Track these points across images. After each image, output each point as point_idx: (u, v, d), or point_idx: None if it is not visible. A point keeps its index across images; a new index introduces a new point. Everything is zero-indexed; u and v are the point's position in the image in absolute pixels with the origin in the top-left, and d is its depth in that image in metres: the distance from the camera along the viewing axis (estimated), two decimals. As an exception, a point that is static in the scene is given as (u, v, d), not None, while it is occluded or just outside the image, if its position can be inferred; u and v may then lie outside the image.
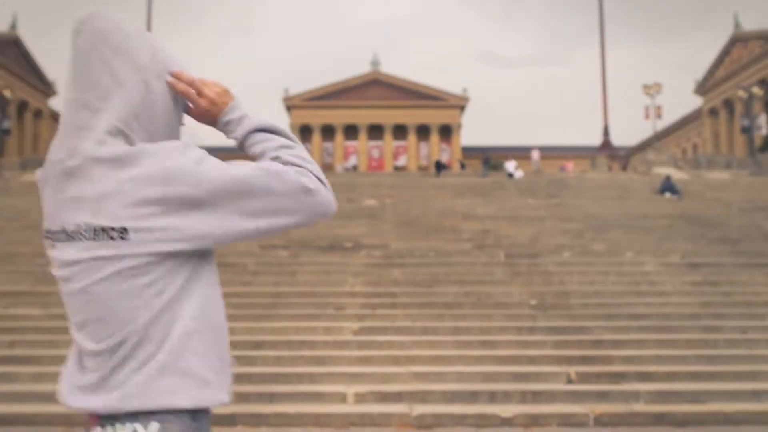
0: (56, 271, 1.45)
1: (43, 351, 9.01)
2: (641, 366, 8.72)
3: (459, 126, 71.41)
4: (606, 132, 41.55)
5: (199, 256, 1.40)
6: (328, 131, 70.89)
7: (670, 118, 66.28)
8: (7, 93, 39.74)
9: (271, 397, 7.73)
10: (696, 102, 68.03)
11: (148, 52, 1.43)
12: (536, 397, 7.76)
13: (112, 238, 1.34)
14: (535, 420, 7.20)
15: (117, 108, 1.38)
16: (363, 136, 70.27)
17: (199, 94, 1.48)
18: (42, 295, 11.11)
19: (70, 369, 1.47)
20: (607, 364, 8.85)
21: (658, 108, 43.23)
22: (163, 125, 1.44)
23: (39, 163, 31.09)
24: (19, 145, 55.01)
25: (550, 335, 9.67)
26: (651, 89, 42.19)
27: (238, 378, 8.32)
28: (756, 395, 7.87)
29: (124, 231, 1.33)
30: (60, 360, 8.67)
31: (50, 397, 7.69)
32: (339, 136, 70.09)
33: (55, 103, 66.57)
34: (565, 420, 7.25)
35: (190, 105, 1.51)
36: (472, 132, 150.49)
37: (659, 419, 7.32)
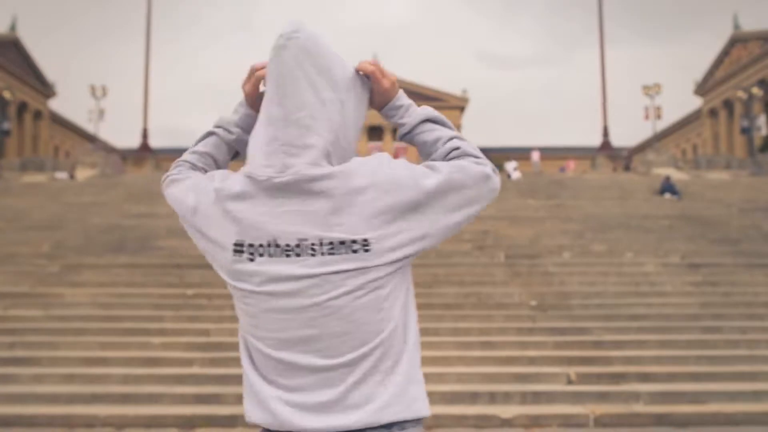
0: (262, 287, 1.40)
1: (43, 352, 9.00)
2: (641, 366, 8.72)
3: (459, 127, 71.42)
4: (606, 133, 41.53)
5: (407, 264, 1.46)
6: (327, 132, 70.97)
7: (669, 118, 66.32)
8: (6, 94, 39.74)
9: (271, 398, 7.71)
10: (696, 102, 68.08)
11: (341, 70, 1.48)
12: (536, 397, 7.76)
13: (354, 250, 1.36)
14: (535, 421, 7.20)
15: (324, 127, 1.42)
16: (363, 137, 70.20)
17: (382, 75, 1.54)
18: (42, 297, 11.10)
19: (274, 391, 1.40)
20: (607, 364, 8.84)
21: (658, 109, 43.21)
22: (351, 140, 1.49)
23: (39, 164, 31.19)
24: (18, 146, 55.02)
25: (550, 336, 9.66)
26: (651, 90, 42.18)
27: (239, 379, 8.31)
28: (756, 396, 7.87)
29: (366, 242, 1.36)
30: (60, 361, 8.66)
31: (50, 399, 7.70)
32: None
33: (55, 104, 66.53)
34: (566, 421, 7.25)
35: (366, 101, 1.56)
36: (473, 133, 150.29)
37: (659, 420, 7.31)
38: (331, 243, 1.36)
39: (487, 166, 1.50)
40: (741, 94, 44.17)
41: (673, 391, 7.98)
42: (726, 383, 8.23)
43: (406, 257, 1.41)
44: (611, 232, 15.72)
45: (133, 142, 48.77)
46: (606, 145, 41.24)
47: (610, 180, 26.33)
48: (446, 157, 1.53)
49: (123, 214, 17.18)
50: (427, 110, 1.60)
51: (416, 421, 1.40)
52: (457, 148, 1.52)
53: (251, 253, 1.40)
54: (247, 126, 1.63)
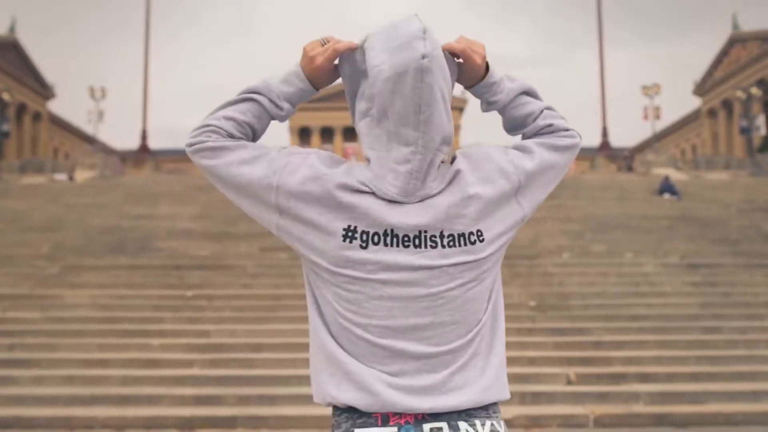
0: (374, 274, 1.36)
1: (42, 354, 9.00)
2: (641, 367, 8.72)
3: (458, 127, 71.42)
4: (605, 133, 41.52)
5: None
6: (327, 133, 70.92)
7: (669, 118, 66.33)
8: (6, 96, 39.72)
9: (272, 400, 7.72)
10: (695, 103, 68.10)
11: (449, 68, 1.41)
12: (536, 398, 7.76)
13: (472, 242, 1.39)
14: (535, 421, 7.20)
15: (450, 141, 1.40)
16: (338, 137, 70.28)
17: (473, 51, 1.47)
18: (41, 298, 11.10)
19: (376, 373, 1.37)
20: (606, 365, 8.85)
21: (657, 109, 43.24)
22: None
23: (38, 165, 31.18)
24: (17, 147, 54.98)
25: (549, 336, 9.66)
26: (650, 90, 42.20)
27: (238, 381, 8.33)
28: (756, 396, 7.88)
29: (480, 233, 1.40)
30: (59, 363, 8.65)
31: (49, 401, 7.70)
32: (338, 138, 70.12)
33: (54, 105, 66.48)
34: (565, 421, 7.25)
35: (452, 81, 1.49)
36: (472, 133, 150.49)
37: (659, 420, 7.32)
38: (451, 235, 1.37)
39: (575, 137, 1.53)
40: (740, 94, 44.21)
41: (672, 391, 7.98)
42: (725, 383, 8.23)
43: (506, 243, 1.45)
44: (611, 233, 15.72)
45: (132, 143, 48.79)
46: (605, 146, 41.22)
47: (609, 180, 26.32)
48: (538, 133, 1.54)
49: (122, 216, 17.18)
50: (518, 84, 1.55)
51: (498, 404, 1.45)
52: (550, 125, 1.53)
53: (364, 240, 1.36)
54: (298, 101, 1.51)
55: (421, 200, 1.38)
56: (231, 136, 1.45)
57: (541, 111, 1.54)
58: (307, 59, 1.46)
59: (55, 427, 7.09)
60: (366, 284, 1.37)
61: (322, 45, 1.46)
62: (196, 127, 1.46)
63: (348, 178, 1.37)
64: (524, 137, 1.57)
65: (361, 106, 1.42)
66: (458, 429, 1.35)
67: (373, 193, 1.37)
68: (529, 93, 1.56)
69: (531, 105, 1.55)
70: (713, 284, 12.27)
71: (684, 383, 8.26)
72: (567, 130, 1.54)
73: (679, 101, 78.38)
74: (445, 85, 1.37)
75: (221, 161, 1.42)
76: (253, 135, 1.50)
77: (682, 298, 11.48)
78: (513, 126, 1.58)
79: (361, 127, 1.42)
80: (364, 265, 1.36)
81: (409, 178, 1.35)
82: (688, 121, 70.89)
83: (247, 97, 1.47)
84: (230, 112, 1.46)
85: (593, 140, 42.16)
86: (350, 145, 69.98)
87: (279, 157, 1.42)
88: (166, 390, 7.93)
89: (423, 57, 1.31)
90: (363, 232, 1.36)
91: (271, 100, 1.48)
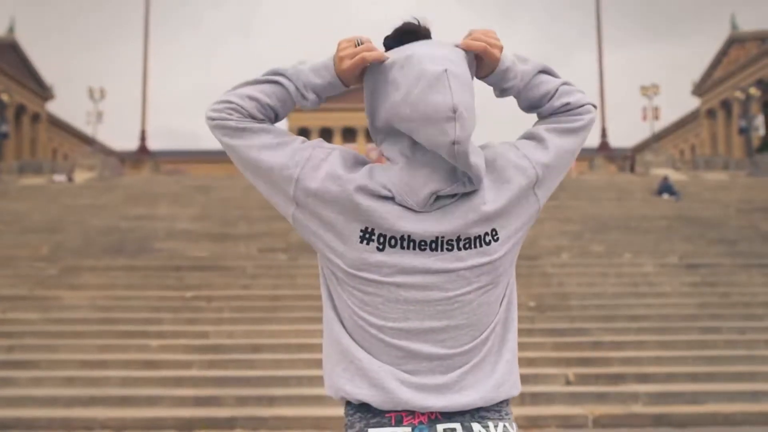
0: (390, 277, 1.36)
1: (42, 355, 8.99)
2: (640, 367, 8.72)
3: (457, 128, 71.48)
4: (604, 133, 41.53)
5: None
6: (326, 134, 70.92)
7: (668, 119, 66.35)
8: (4, 97, 39.70)
9: (271, 401, 7.72)
10: (694, 103, 68.13)
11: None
12: (535, 398, 7.76)
13: (487, 243, 1.39)
14: (533, 422, 7.20)
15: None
16: (361, 138, 70.37)
17: (492, 46, 1.43)
18: (40, 299, 11.10)
19: (389, 370, 1.36)
20: (605, 365, 8.85)
21: (656, 109, 43.24)
22: None
23: (37, 166, 31.18)
24: (16, 148, 54.96)
25: (548, 337, 9.66)
26: (648, 90, 42.21)
27: (237, 381, 8.33)
28: (755, 396, 7.88)
29: (495, 232, 1.39)
30: (58, 364, 8.64)
31: (49, 402, 7.70)
32: (337, 139, 70.12)
33: (53, 106, 66.45)
34: (564, 422, 7.25)
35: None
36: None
37: (658, 420, 7.32)
38: (468, 238, 1.37)
39: (591, 112, 1.51)
40: (739, 94, 44.25)
41: (671, 391, 7.98)
42: (724, 384, 8.24)
43: (520, 240, 1.45)
44: (610, 233, 15.72)
45: (131, 144, 48.74)
46: (604, 146, 41.22)
47: (608, 181, 26.33)
48: (555, 111, 1.51)
49: (121, 217, 17.17)
50: (532, 66, 1.51)
51: (510, 404, 1.46)
52: (566, 104, 1.50)
53: (381, 243, 1.35)
54: (326, 93, 1.48)
55: (439, 208, 1.37)
56: (252, 117, 1.41)
57: (557, 89, 1.51)
58: (338, 58, 1.43)
59: (54, 428, 7.08)
60: (382, 287, 1.36)
61: (356, 46, 1.41)
62: (217, 100, 1.43)
63: (369, 180, 1.36)
64: (540, 116, 1.55)
65: (388, 133, 1.42)
66: (471, 430, 1.35)
67: (392, 199, 1.35)
68: (544, 71, 1.52)
69: (546, 84, 1.51)
70: (712, 284, 12.28)
71: (683, 383, 8.27)
72: (582, 106, 1.50)
73: (678, 102, 78.43)
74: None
75: (242, 142, 1.40)
76: (276, 117, 1.47)
77: (680, 299, 11.49)
78: (528, 105, 1.55)
79: (385, 146, 1.42)
80: (380, 267, 1.36)
81: (430, 197, 1.35)
82: (687, 121, 70.93)
83: (274, 79, 1.43)
84: (254, 92, 1.42)
85: (592, 141, 42.16)
86: (349, 146, 69.97)
87: (303, 149, 1.41)
88: (165, 391, 7.93)
89: (454, 143, 1.28)
90: (380, 234, 1.35)
91: (297, 88, 1.44)
